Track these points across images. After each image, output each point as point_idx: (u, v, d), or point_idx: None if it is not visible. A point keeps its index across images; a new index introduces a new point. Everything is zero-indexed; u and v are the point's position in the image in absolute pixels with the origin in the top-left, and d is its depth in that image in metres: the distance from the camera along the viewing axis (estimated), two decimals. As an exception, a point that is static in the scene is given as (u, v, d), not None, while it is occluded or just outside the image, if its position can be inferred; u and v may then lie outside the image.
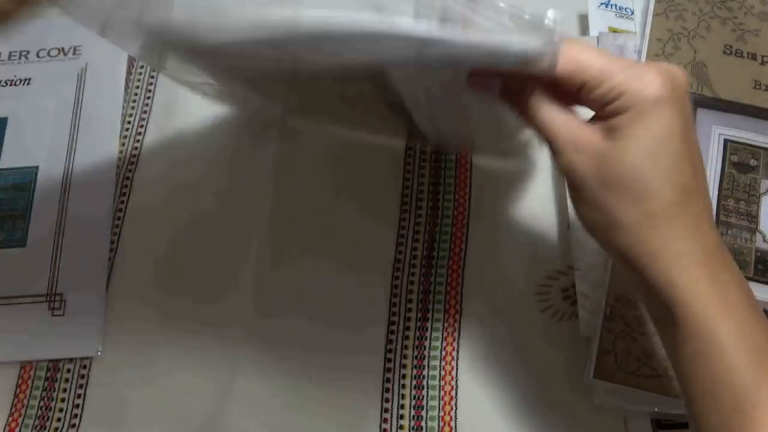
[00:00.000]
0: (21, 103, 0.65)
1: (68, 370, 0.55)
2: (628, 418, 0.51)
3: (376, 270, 0.57)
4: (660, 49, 0.58)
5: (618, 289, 0.51)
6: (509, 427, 0.52)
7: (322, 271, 0.57)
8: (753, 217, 0.53)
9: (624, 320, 0.50)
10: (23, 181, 0.61)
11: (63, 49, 0.67)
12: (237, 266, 0.57)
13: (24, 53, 0.67)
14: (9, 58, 0.67)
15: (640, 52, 0.58)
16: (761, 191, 0.54)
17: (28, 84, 0.65)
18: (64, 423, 0.54)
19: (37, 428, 0.54)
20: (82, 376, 0.55)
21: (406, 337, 0.55)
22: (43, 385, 0.55)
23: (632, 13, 0.62)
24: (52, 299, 0.57)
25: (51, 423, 0.54)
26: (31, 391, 0.55)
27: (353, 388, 0.53)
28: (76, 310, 0.56)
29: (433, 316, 0.55)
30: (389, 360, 0.54)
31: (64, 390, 0.55)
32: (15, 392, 0.55)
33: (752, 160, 0.54)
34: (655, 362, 0.49)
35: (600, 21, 0.62)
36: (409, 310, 0.56)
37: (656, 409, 0.49)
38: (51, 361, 0.56)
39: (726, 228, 0.53)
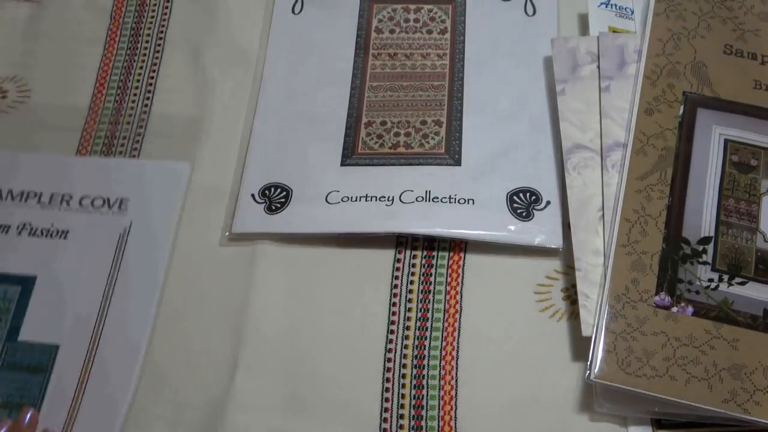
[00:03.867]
0: (53, 261, 0.57)
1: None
2: (628, 417, 0.51)
3: (375, 270, 0.57)
4: (660, 49, 0.58)
5: (618, 288, 0.51)
6: (509, 427, 0.52)
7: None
8: (753, 217, 0.53)
9: (625, 320, 0.50)
10: (39, 363, 0.53)
11: (108, 200, 0.59)
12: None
13: (67, 198, 0.59)
14: (50, 201, 0.59)
15: (640, 52, 0.58)
16: (762, 191, 0.54)
17: (65, 237, 0.58)
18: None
19: None
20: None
21: (406, 337, 0.55)
22: None
23: (632, 12, 0.62)
24: None
25: None
26: None
27: (353, 388, 0.53)
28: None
29: (433, 315, 0.55)
30: (389, 360, 0.54)
31: None
32: None
33: (753, 160, 0.54)
34: (656, 362, 0.49)
35: (600, 21, 0.62)
36: (409, 309, 0.56)
37: (656, 409, 0.49)
38: None
39: (726, 228, 0.52)
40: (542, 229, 0.56)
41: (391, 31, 0.66)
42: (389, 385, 0.53)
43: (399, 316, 0.55)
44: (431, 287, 0.56)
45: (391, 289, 0.56)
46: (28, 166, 0.61)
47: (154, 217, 0.59)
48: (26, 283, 0.56)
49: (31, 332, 0.54)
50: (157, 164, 0.62)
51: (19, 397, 0.52)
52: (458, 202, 0.57)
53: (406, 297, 0.56)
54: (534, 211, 0.57)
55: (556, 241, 0.56)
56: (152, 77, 0.66)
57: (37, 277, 0.56)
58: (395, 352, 0.54)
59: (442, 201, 0.57)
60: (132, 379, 0.53)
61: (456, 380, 0.53)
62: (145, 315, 0.55)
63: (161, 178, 0.61)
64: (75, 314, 0.55)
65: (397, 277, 0.56)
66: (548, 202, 0.57)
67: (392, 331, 0.55)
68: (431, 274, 0.57)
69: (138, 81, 0.66)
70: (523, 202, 0.57)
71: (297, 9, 0.67)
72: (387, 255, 0.57)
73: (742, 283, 0.51)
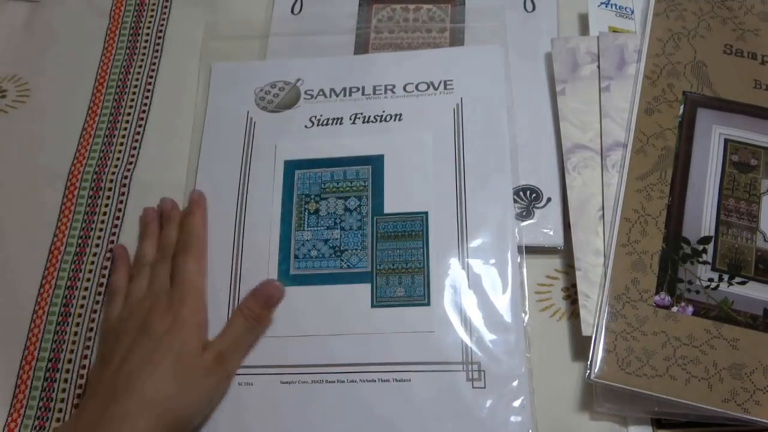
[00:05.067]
0: (396, 140, 0.59)
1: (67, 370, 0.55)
2: (628, 417, 0.51)
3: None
4: (660, 49, 0.58)
5: (618, 288, 0.51)
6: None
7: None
8: (753, 217, 0.53)
9: (625, 320, 0.50)
10: (413, 230, 0.56)
11: (432, 83, 0.61)
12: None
13: (390, 87, 0.62)
14: (374, 93, 0.62)
15: (640, 52, 0.58)
16: (762, 191, 0.54)
17: (399, 119, 0.60)
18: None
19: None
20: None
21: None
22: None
23: (632, 12, 0.62)
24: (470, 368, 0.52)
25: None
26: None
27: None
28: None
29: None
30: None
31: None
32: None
33: (753, 160, 0.54)
34: (657, 362, 0.49)
35: (600, 20, 0.62)
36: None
37: (656, 409, 0.49)
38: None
39: (726, 227, 0.52)
40: (543, 228, 0.56)
41: (391, 31, 0.66)
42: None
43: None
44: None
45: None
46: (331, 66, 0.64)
47: (481, 91, 0.61)
48: (376, 162, 0.59)
49: (396, 205, 0.57)
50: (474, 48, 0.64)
51: (404, 262, 0.55)
52: None
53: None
54: (534, 209, 0.57)
55: (557, 241, 0.56)
56: (151, 76, 0.66)
57: (384, 155, 0.59)
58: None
59: None
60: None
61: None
62: (501, 167, 0.57)
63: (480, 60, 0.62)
64: (434, 180, 0.57)
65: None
66: (549, 199, 0.57)
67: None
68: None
69: (137, 80, 0.66)
70: (524, 201, 0.57)
71: (296, 9, 0.68)
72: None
73: (742, 283, 0.51)
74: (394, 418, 0.50)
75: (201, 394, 0.49)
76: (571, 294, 0.55)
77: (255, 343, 0.53)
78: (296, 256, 0.56)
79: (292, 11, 0.67)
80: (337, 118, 0.61)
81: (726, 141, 0.55)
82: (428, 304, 0.53)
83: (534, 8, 0.65)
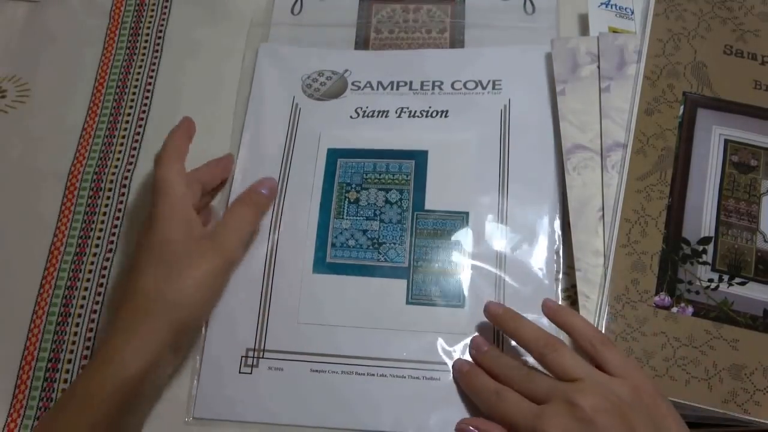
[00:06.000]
0: (440, 136, 0.59)
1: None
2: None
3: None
4: (660, 50, 0.58)
5: (618, 289, 0.51)
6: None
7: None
8: (753, 217, 0.53)
9: (625, 320, 0.50)
10: (453, 229, 0.56)
11: (481, 82, 0.61)
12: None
13: (438, 83, 0.62)
14: (421, 88, 0.62)
15: (640, 53, 0.58)
16: (762, 191, 0.54)
17: (445, 116, 0.60)
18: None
19: None
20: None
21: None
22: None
23: (632, 13, 0.62)
24: None
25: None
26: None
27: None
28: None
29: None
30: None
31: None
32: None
33: (752, 160, 0.54)
34: (656, 363, 0.49)
35: (600, 21, 0.62)
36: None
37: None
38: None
39: (726, 228, 0.52)
40: None
41: (390, 31, 0.66)
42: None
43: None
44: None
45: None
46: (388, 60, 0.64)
47: (529, 93, 0.60)
48: (420, 157, 0.59)
49: (438, 202, 0.57)
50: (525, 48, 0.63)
51: (442, 261, 0.55)
52: None
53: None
54: None
55: None
56: (151, 77, 0.66)
57: (429, 151, 0.59)
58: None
59: None
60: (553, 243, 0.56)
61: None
62: (546, 170, 0.58)
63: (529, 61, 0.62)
64: (477, 180, 0.57)
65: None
66: None
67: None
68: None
69: (137, 80, 0.66)
70: None
71: (296, 10, 0.68)
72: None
73: (742, 284, 0.51)
74: (421, 416, 0.51)
75: (198, 276, 0.50)
76: (571, 295, 0.55)
77: (251, 229, 0.55)
78: (333, 244, 0.56)
79: (292, 11, 0.68)
80: (383, 111, 0.61)
81: (726, 141, 0.55)
82: (463, 306, 0.53)
83: (534, 9, 0.65)
